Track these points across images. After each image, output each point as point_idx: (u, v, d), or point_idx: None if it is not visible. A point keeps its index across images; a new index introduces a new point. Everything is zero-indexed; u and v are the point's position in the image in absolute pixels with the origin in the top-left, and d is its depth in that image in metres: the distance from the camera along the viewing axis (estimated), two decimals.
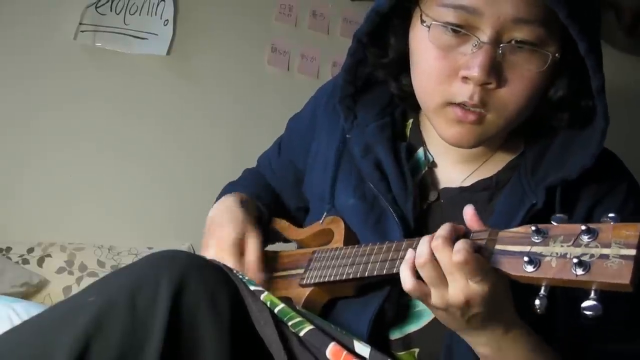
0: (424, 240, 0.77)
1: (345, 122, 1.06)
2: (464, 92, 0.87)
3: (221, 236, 1.04)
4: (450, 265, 0.74)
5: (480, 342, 0.82)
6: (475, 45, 0.85)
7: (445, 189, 1.00)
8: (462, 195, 0.98)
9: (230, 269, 0.85)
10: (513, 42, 0.85)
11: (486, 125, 0.90)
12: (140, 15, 2.33)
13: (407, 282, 0.78)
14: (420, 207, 0.99)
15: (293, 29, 2.50)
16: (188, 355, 0.76)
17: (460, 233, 0.78)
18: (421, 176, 1.02)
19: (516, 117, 0.90)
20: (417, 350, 0.94)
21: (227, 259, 1.01)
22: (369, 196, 1.01)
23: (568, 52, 0.87)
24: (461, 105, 0.88)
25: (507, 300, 0.79)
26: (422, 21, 0.90)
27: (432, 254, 0.76)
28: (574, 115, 0.93)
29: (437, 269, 0.75)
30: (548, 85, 0.91)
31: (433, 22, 0.88)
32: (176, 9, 2.36)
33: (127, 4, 2.32)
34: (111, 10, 2.30)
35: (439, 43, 0.88)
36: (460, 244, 0.73)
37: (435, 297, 0.77)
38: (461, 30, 0.86)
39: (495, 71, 0.85)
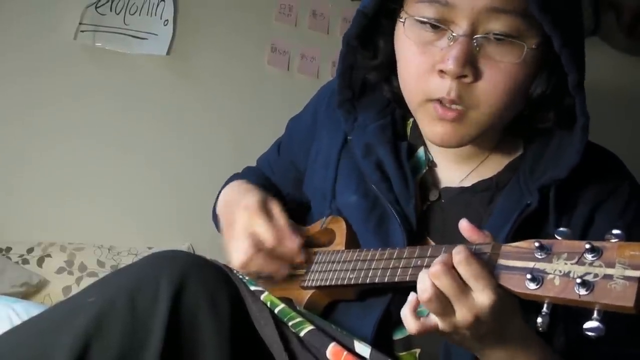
0: (423, 276, 0.75)
1: (346, 125, 1.06)
2: (442, 87, 0.86)
3: (246, 204, 1.00)
4: (455, 289, 0.73)
5: (495, 358, 0.80)
6: (450, 38, 0.85)
7: (446, 188, 1.00)
8: (463, 195, 0.98)
9: (231, 269, 0.84)
10: (491, 35, 0.84)
11: (468, 122, 0.89)
12: (140, 15, 2.33)
13: (411, 326, 0.77)
14: (421, 207, 0.99)
15: (293, 28, 2.50)
16: (188, 356, 0.76)
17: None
18: (421, 176, 1.02)
19: (498, 112, 0.89)
20: (418, 350, 0.93)
21: (259, 222, 0.97)
22: (371, 195, 1.01)
23: (550, 46, 0.86)
24: (440, 101, 0.87)
25: (516, 313, 0.77)
26: (400, 17, 0.90)
27: (435, 286, 0.73)
28: (560, 114, 0.92)
29: (442, 299, 0.74)
30: (530, 81, 0.90)
31: (407, 17, 0.88)
32: (176, 9, 2.36)
33: (127, 4, 2.32)
34: (111, 10, 2.30)
35: (416, 39, 0.88)
36: (459, 250, 0.73)
37: (443, 325, 0.75)
38: (437, 25, 0.86)
39: (470, 64, 0.84)
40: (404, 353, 0.94)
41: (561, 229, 0.71)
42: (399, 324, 0.94)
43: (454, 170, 1.01)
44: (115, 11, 2.31)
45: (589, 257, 0.66)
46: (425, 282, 0.74)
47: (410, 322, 0.77)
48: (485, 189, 0.98)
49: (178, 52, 2.37)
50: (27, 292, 2.02)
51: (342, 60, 1.02)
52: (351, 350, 0.78)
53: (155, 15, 2.34)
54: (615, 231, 0.67)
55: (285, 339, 0.79)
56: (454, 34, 0.84)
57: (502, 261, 0.74)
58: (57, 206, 2.26)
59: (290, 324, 0.80)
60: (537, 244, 0.70)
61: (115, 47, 2.30)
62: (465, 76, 0.85)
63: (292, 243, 0.98)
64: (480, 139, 0.93)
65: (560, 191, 0.91)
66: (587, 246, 0.66)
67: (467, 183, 0.99)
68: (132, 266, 0.83)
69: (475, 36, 0.84)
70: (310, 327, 0.79)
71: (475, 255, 0.74)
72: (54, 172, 2.26)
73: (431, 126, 0.90)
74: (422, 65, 0.88)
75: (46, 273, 2.10)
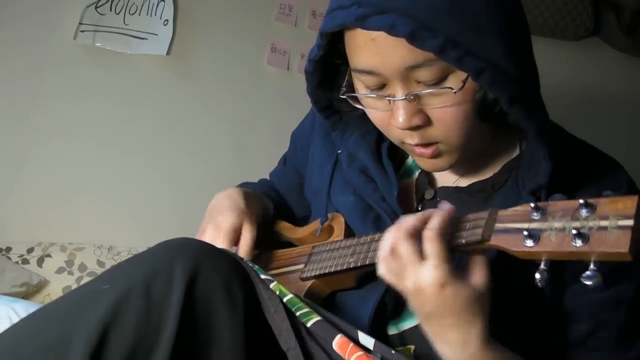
0: (388, 234, 0.80)
1: (337, 143, 1.09)
2: (404, 136, 0.90)
3: (220, 221, 1.06)
4: (410, 255, 0.78)
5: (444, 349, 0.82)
6: (390, 101, 0.88)
7: (442, 187, 1.02)
8: (459, 195, 0.99)
9: (241, 258, 0.85)
10: (420, 87, 0.86)
11: (446, 152, 0.92)
12: (140, 15, 2.33)
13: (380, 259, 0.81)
14: (417, 206, 1.00)
15: (293, 28, 2.50)
16: (203, 342, 0.77)
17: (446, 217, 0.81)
18: (416, 177, 1.03)
19: (466, 139, 0.90)
20: (413, 347, 0.94)
21: (221, 244, 1.02)
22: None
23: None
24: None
25: (479, 312, 0.79)
26: (341, 90, 0.95)
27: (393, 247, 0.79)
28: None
29: (398, 261, 0.79)
30: (481, 102, 0.88)
31: (347, 95, 0.93)
32: (176, 9, 2.36)
33: (127, 4, 2.32)
34: (111, 10, 2.30)
35: (366, 104, 0.92)
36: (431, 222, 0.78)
37: (398, 286, 0.80)
38: (376, 91, 0.89)
39: (418, 114, 0.87)
40: (399, 348, 0.95)
41: (555, 194, 0.74)
42: (393, 317, 0.95)
43: (451, 172, 1.02)
44: (115, 11, 2.31)
45: (583, 212, 0.69)
46: (387, 241, 0.79)
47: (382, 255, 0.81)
48: (480, 190, 0.98)
49: (178, 52, 2.38)
50: (27, 292, 2.01)
51: (310, 94, 1.06)
52: (356, 341, 0.78)
53: (155, 15, 2.34)
54: (607, 191, 0.69)
55: (296, 327, 0.79)
56: (389, 98, 0.87)
57: (499, 225, 0.76)
58: (57, 206, 2.26)
59: (297, 313, 0.81)
60: (532, 205, 0.73)
61: (115, 47, 2.30)
62: (417, 126, 0.88)
63: None
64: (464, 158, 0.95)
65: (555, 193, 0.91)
66: (581, 201, 0.69)
67: (463, 183, 1.00)
68: (146, 253, 0.83)
69: (408, 93, 0.86)
70: (317, 318, 0.80)
71: (469, 221, 0.78)
72: (54, 172, 2.26)
73: (417, 159, 0.95)
74: (381, 120, 0.92)
75: (46, 273, 2.09)
